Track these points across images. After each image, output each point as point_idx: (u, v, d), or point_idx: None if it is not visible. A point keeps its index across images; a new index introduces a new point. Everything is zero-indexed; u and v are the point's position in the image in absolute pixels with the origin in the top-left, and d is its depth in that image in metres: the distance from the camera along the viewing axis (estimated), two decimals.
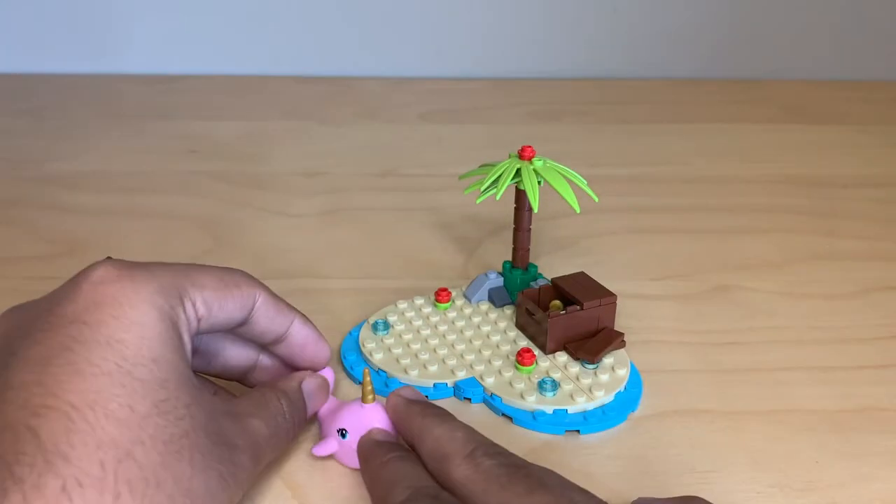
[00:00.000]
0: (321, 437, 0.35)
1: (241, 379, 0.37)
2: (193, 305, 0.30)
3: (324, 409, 0.36)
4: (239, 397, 0.33)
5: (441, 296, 0.44)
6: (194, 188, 0.61)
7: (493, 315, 0.43)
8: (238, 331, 0.34)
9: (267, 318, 0.34)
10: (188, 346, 0.30)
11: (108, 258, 0.30)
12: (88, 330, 0.27)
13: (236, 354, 0.36)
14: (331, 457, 0.35)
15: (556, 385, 0.38)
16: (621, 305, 0.42)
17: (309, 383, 0.35)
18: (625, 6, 0.83)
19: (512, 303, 0.44)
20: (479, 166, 0.42)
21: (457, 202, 0.58)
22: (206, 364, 0.35)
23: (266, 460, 0.32)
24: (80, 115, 0.74)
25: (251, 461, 0.30)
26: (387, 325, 0.42)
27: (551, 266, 0.49)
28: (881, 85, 0.84)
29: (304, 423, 0.35)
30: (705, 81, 0.85)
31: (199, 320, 0.31)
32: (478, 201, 0.41)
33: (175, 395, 0.27)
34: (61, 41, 0.83)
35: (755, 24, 0.85)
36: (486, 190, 0.41)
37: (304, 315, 0.36)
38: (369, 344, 0.41)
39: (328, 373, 0.37)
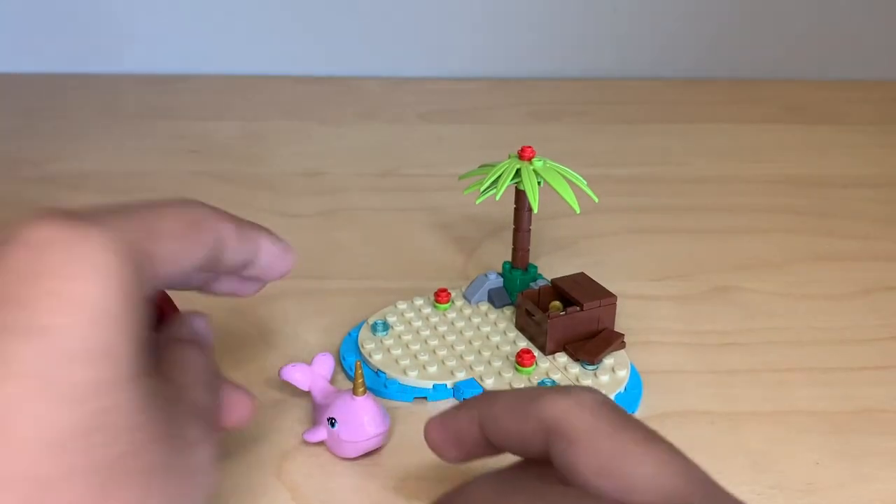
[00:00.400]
0: (314, 423, 0.35)
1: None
2: (153, 264, 0.24)
3: (318, 396, 0.36)
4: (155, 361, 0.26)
5: (441, 296, 0.44)
6: (194, 188, 0.61)
7: (492, 316, 0.43)
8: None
9: (233, 251, 0.29)
10: (140, 322, 0.23)
11: (51, 209, 0.23)
12: (17, 310, 0.20)
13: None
14: (329, 456, 0.35)
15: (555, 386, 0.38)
16: (621, 306, 0.42)
17: (199, 321, 0.31)
18: (624, 6, 0.83)
19: (512, 303, 0.44)
20: (479, 166, 0.42)
21: (457, 202, 0.58)
22: (209, 282, 0.31)
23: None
24: (80, 115, 0.74)
25: (209, 446, 0.25)
26: (386, 326, 0.42)
27: (551, 266, 0.49)
28: (881, 85, 0.84)
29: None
30: (705, 81, 0.85)
31: (157, 278, 0.25)
32: (477, 202, 0.41)
33: (116, 402, 0.21)
34: (61, 41, 0.83)
35: (755, 24, 0.85)
36: (485, 190, 0.41)
37: (269, 232, 0.32)
38: (368, 345, 0.41)
39: (327, 358, 0.37)
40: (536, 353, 0.40)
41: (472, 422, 0.28)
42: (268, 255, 0.31)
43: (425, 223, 0.56)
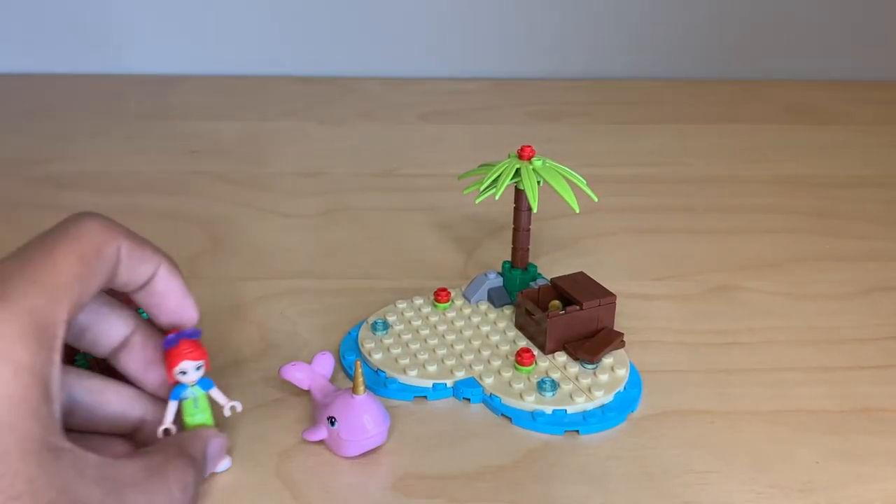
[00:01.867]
0: (313, 421, 0.35)
1: (111, 358, 0.33)
2: (56, 322, 0.26)
3: (318, 395, 0.36)
4: (133, 461, 0.28)
5: (440, 296, 0.44)
6: (194, 188, 0.61)
7: (492, 315, 0.43)
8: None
9: (129, 269, 0.30)
10: (55, 393, 0.26)
11: None
12: None
13: (106, 330, 0.32)
14: (329, 455, 0.35)
15: (555, 385, 0.38)
16: (621, 305, 0.42)
17: (214, 445, 0.32)
18: (625, 6, 0.83)
19: (511, 303, 0.44)
20: (479, 166, 0.42)
21: (456, 202, 0.58)
22: (75, 339, 0.32)
23: None
24: (80, 115, 0.74)
25: None
26: (386, 325, 0.42)
27: (551, 266, 0.49)
28: (881, 85, 0.84)
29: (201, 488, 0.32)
30: (705, 81, 0.85)
31: (68, 322, 0.27)
32: (477, 201, 0.41)
33: (14, 470, 0.24)
34: (61, 41, 0.83)
35: (755, 24, 0.85)
36: (485, 190, 0.41)
37: (172, 262, 0.32)
38: (368, 344, 0.41)
39: (327, 357, 0.37)
40: (536, 352, 0.40)
41: None
42: (162, 284, 0.32)
43: (425, 223, 0.56)
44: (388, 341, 0.41)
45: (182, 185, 0.61)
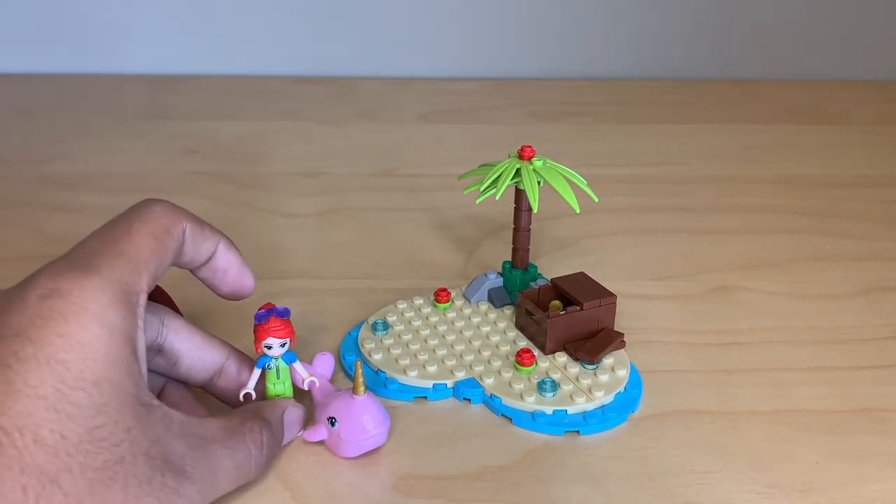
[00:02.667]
0: (314, 422, 0.35)
1: (206, 385, 0.36)
2: (139, 292, 0.29)
3: (319, 395, 0.36)
4: (214, 419, 0.31)
5: (440, 296, 0.44)
6: (194, 188, 0.61)
7: (492, 315, 0.43)
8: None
9: (193, 248, 0.33)
10: (141, 354, 0.29)
11: (60, 260, 0.29)
12: (31, 347, 0.26)
13: (201, 359, 0.35)
14: (329, 456, 0.35)
15: (555, 385, 0.38)
16: (621, 306, 0.42)
17: (291, 413, 0.35)
18: (625, 6, 0.83)
19: (511, 303, 0.44)
20: (479, 166, 0.42)
21: (457, 202, 0.58)
22: (171, 367, 0.35)
23: (222, 491, 0.31)
24: (80, 115, 0.74)
25: (199, 491, 0.29)
26: (386, 326, 0.42)
27: (551, 266, 0.49)
28: (881, 85, 0.84)
29: (278, 453, 0.35)
30: (705, 81, 0.85)
31: (147, 292, 0.30)
32: (477, 201, 0.41)
33: (114, 420, 0.26)
34: (61, 41, 0.83)
35: (755, 24, 0.85)
36: (485, 190, 0.41)
37: (229, 239, 0.35)
38: (368, 344, 0.41)
39: (327, 357, 0.37)
40: (536, 352, 0.40)
41: None
42: (223, 259, 0.35)
43: (425, 223, 0.56)
44: (388, 342, 0.41)
45: (182, 185, 0.61)
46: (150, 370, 0.34)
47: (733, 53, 0.86)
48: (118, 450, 0.26)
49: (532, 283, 0.43)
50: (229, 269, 0.35)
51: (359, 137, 0.71)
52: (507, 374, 0.39)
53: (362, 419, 0.34)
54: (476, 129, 0.73)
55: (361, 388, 0.34)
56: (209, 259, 0.34)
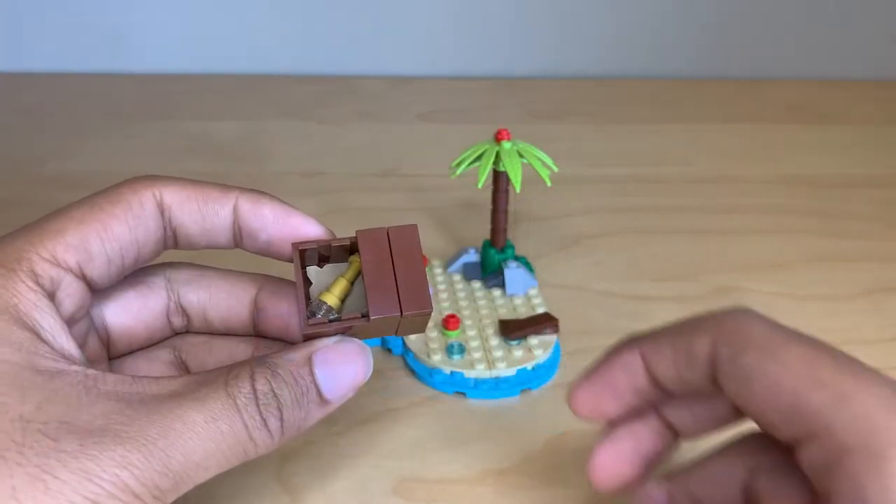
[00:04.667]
0: None
1: (253, 328, 0.30)
2: (53, 261, 0.25)
3: None
4: (184, 377, 0.25)
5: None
6: None
7: (459, 286, 0.45)
8: (178, 248, 0.28)
9: (191, 215, 0.27)
10: (39, 320, 0.24)
11: None
12: None
13: (228, 304, 0.29)
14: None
15: (462, 349, 0.40)
16: (622, 306, 0.41)
17: (326, 354, 0.26)
18: (625, 6, 0.83)
19: (483, 278, 0.46)
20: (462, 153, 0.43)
21: (456, 202, 0.58)
22: (205, 324, 0.30)
23: (201, 456, 0.23)
24: (80, 115, 0.74)
25: (146, 453, 0.22)
26: None
27: (551, 266, 0.49)
28: (881, 85, 0.84)
29: (311, 419, 0.26)
30: (705, 81, 0.84)
31: (71, 272, 0.25)
32: (452, 176, 0.42)
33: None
34: (61, 41, 0.83)
35: (755, 24, 0.85)
36: (468, 164, 0.42)
37: (256, 191, 0.28)
38: None
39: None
40: (468, 322, 0.42)
41: (628, 366, 0.26)
42: (256, 215, 0.28)
43: (425, 223, 0.56)
44: None
45: None
46: (189, 334, 0.30)
47: (733, 53, 0.85)
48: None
49: (503, 263, 0.45)
50: (265, 225, 0.28)
51: (359, 137, 0.71)
52: (433, 335, 0.41)
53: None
54: (476, 129, 0.72)
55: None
56: (233, 224, 0.28)
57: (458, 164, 0.42)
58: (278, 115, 0.75)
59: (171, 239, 0.28)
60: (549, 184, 0.41)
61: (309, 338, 0.26)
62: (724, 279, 0.50)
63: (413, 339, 0.41)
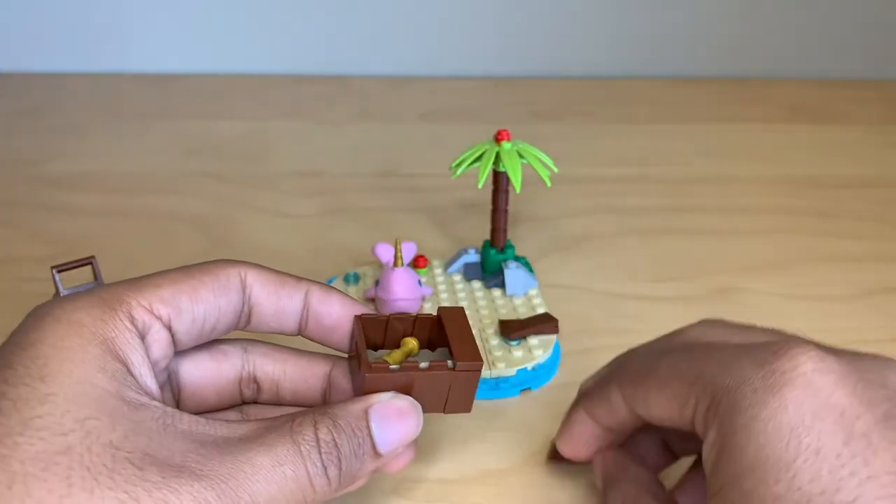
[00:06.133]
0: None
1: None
2: (148, 308, 0.27)
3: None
4: (253, 422, 0.26)
5: (418, 262, 0.46)
6: (193, 188, 0.60)
7: (459, 286, 0.45)
8: (249, 327, 0.30)
9: (268, 296, 0.30)
10: (132, 358, 0.26)
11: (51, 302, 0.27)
12: None
13: (303, 378, 0.31)
14: None
15: None
16: (622, 306, 0.41)
17: (381, 409, 0.27)
18: (625, 6, 0.83)
19: (483, 278, 0.46)
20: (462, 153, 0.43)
21: (457, 202, 0.58)
22: (275, 396, 0.31)
23: (266, 497, 0.24)
24: (80, 115, 0.74)
25: (218, 493, 0.23)
26: (357, 278, 0.46)
27: (551, 266, 0.49)
28: (881, 85, 0.84)
29: (365, 471, 0.27)
30: (705, 81, 0.84)
31: (160, 321, 0.27)
32: (453, 177, 0.42)
33: (64, 410, 0.23)
34: (61, 41, 0.83)
35: (755, 24, 0.85)
36: (469, 165, 0.42)
37: (322, 284, 0.31)
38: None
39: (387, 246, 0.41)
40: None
41: (582, 423, 0.31)
42: (324, 306, 0.30)
43: (425, 223, 0.56)
44: (357, 296, 0.44)
45: (180, 185, 0.61)
46: (257, 404, 0.32)
47: (733, 53, 0.85)
48: (64, 439, 0.23)
49: (503, 264, 0.45)
50: (332, 311, 0.30)
51: (359, 137, 0.71)
52: None
53: (396, 285, 0.40)
54: (476, 129, 0.72)
55: (399, 262, 0.41)
56: (304, 310, 0.30)
57: (459, 165, 0.42)
58: (278, 115, 0.75)
59: (246, 316, 0.30)
60: (548, 184, 0.41)
61: (367, 391, 0.28)
62: (724, 279, 0.50)
63: None
